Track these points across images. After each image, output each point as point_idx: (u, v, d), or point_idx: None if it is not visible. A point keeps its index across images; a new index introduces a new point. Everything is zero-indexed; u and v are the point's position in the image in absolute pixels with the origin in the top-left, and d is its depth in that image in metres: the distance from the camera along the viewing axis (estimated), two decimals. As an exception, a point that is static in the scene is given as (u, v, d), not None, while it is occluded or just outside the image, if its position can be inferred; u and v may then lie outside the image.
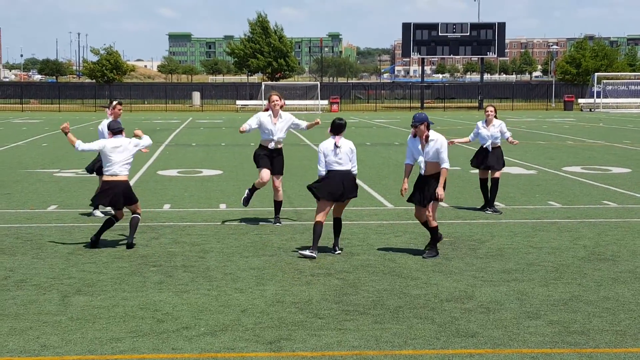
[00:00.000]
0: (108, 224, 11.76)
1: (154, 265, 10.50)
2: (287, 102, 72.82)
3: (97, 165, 14.09)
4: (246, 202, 13.77)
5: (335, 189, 11.19)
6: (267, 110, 13.59)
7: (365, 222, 13.77)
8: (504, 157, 15.43)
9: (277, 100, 13.50)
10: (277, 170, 13.55)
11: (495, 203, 15.90)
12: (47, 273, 10.03)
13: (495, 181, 14.96)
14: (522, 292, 9.16)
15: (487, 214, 14.70)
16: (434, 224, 11.12)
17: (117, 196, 11.60)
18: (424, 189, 11.08)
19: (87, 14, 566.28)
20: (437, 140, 10.98)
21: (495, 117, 15.14)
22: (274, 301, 8.75)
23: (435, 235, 11.15)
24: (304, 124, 13.86)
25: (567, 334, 7.66)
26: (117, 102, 14.37)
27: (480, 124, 15.18)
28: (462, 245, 11.86)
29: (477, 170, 15.70)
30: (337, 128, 11.46)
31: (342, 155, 11.27)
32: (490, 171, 15.01)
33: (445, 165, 10.94)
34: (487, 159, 15.02)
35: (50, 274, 9.96)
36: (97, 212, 14.40)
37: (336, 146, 11.33)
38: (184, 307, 8.52)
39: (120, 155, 11.65)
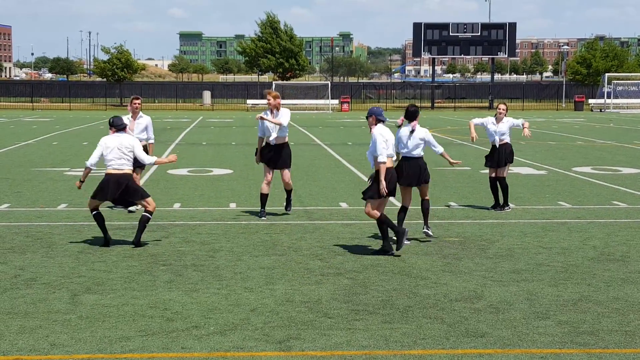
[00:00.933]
0: (100, 219, 11.74)
1: (163, 264, 10.53)
2: (298, 101, 72.95)
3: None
4: (262, 214, 14.11)
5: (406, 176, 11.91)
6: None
7: (375, 222, 13.74)
8: (514, 156, 15.41)
9: (269, 100, 14.03)
10: (280, 164, 13.98)
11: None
12: (56, 272, 10.06)
13: (501, 181, 14.93)
14: (532, 292, 9.15)
15: (498, 212, 14.69)
16: (373, 216, 11.12)
17: (111, 190, 11.59)
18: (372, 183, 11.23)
19: (98, 14, 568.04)
20: (372, 134, 11.13)
21: (506, 115, 15.10)
22: (284, 300, 8.76)
23: (381, 228, 11.20)
24: (283, 125, 13.94)
25: (577, 334, 7.65)
26: (133, 96, 15.01)
27: (491, 119, 15.12)
28: (471, 245, 11.85)
29: (487, 171, 15.68)
30: (412, 115, 11.89)
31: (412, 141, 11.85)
32: (497, 170, 15.00)
33: (379, 158, 10.95)
34: (494, 156, 15.04)
35: (60, 273, 9.99)
36: (131, 207, 14.61)
37: (411, 132, 11.87)
38: (194, 306, 8.54)
39: (118, 152, 11.71)
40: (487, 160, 15.21)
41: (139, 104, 14.93)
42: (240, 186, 18.50)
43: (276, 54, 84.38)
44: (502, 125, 14.96)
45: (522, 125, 14.97)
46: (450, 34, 75.01)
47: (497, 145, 14.94)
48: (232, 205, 15.55)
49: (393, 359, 6.96)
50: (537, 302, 8.77)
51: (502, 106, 15.11)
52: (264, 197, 14.06)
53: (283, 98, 71.92)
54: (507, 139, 14.98)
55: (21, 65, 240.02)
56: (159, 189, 17.77)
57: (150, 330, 7.67)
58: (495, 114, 15.08)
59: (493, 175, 15.03)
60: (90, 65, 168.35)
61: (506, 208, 14.92)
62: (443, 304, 8.65)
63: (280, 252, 11.32)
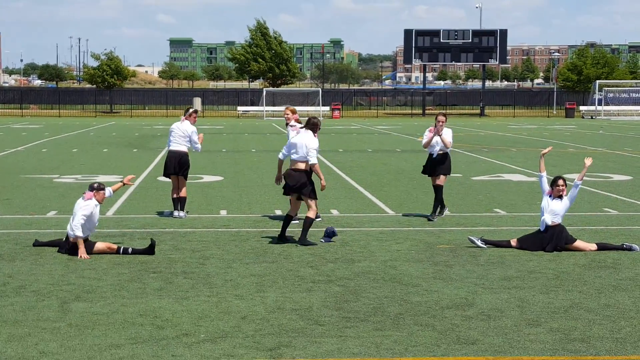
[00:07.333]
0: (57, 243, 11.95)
1: (153, 271, 10.48)
2: (288, 108, 72.80)
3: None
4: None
5: None
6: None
7: (366, 229, 13.75)
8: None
9: (288, 115, 14.72)
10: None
11: (497, 210, 15.94)
12: (46, 279, 10.00)
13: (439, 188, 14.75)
14: (523, 300, 9.14)
15: (490, 219, 14.69)
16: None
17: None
18: None
19: (88, 20, 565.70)
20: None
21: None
22: (275, 308, 8.73)
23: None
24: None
25: (568, 341, 7.64)
26: (193, 110, 15.53)
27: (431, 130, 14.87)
28: (463, 252, 11.84)
29: (478, 178, 15.61)
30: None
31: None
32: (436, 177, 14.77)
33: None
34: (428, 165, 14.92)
35: (50, 280, 9.94)
36: (176, 213, 14.89)
37: None
38: (184, 313, 8.49)
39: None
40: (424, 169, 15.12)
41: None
42: (231, 193, 18.47)
43: (266, 59, 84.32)
44: (442, 136, 14.66)
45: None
46: (441, 40, 75.18)
47: (435, 155, 14.76)
48: (223, 213, 15.51)
49: (384, 367, 6.93)
50: (528, 309, 8.76)
51: (441, 117, 14.79)
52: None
53: (273, 105, 72.17)
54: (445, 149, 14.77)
55: (10, 72, 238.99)
56: (149, 196, 17.72)
57: (140, 338, 7.62)
58: (435, 124, 14.72)
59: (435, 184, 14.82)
60: (79, 71, 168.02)
61: (435, 217, 14.68)
62: (434, 311, 8.63)
63: (271, 259, 11.29)
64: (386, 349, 7.37)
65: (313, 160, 12.44)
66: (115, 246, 11.55)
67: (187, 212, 15.03)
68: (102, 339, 7.60)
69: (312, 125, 12.76)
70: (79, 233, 11.29)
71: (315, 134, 12.67)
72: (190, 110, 15.40)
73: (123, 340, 7.55)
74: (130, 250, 11.51)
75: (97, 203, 11.62)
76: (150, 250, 11.44)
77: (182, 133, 15.10)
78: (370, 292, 9.44)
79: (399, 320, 8.29)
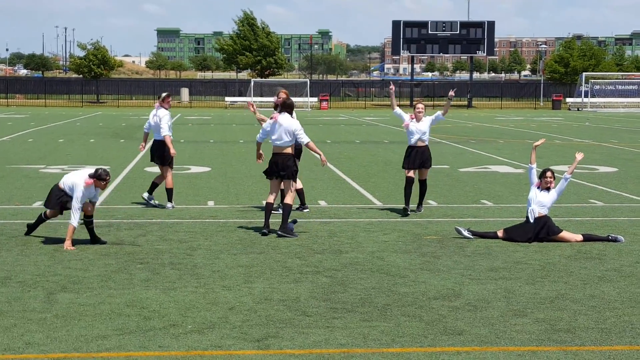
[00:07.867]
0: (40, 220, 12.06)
1: (140, 262, 10.45)
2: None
3: None
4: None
5: None
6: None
7: (354, 220, 13.76)
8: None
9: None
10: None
11: (484, 201, 15.98)
12: (32, 270, 9.96)
13: (422, 183, 14.58)
14: (509, 290, 9.17)
15: (477, 211, 14.72)
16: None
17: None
18: None
19: (74, 9, 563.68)
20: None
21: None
22: (262, 299, 8.73)
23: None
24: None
25: (553, 331, 7.67)
26: (165, 94, 15.42)
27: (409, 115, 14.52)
28: (450, 243, 11.86)
29: (466, 169, 15.61)
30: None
31: None
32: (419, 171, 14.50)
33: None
34: (411, 157, 14.39)
35: (36, 271, 9.90)
36: (145, 195, 15.10)
37: None
38: (171, 304, 8.48)
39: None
40: (404, 162, 14.55)
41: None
42: (218, 184, 18.44)
43: (254, 52, 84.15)
44: (422, 125, 14.36)
45: (442, 114, 14.61)
46: (430, 32, 75.20)
47: (415, 143, 14.33)
48: (210, 203, 15.49)
49: (371, 357, 6.95)
50: (514, 299, 8.79)
51: (420, 105, 14.55)
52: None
53: (261, 95, 72.01)
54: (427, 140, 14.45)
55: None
56: (136, 187, 17.67)
57: (127, 329, 7.61)
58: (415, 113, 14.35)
59: (411, 174, 14.38)
60: (66, 61, 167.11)
61: (419, 209, 14.60)
62: (421, 302, 8.65)
63: (259, 250, 11.28)
64: (373, 339, 7.38)
65: (305, 139, 12.57)
66: (90, 214, 11.51)
67: (163, 203, 14.87)
68: (88, 329, 7.58)
69: (288, 107, 12.74)
70: (75, 223, 11.28)
71: (292, 115, 12.65)
72: (163, 95, 15.32)
73: (110, 331, 7.53)
74: (92, 226, 11.55)
75: (94, 192, 11.58)
76: (97, 241, 11.53)
77: (156, 124, 15.11)
78: (358, 283, 9.45)
79: (386, 311, 8.31)
